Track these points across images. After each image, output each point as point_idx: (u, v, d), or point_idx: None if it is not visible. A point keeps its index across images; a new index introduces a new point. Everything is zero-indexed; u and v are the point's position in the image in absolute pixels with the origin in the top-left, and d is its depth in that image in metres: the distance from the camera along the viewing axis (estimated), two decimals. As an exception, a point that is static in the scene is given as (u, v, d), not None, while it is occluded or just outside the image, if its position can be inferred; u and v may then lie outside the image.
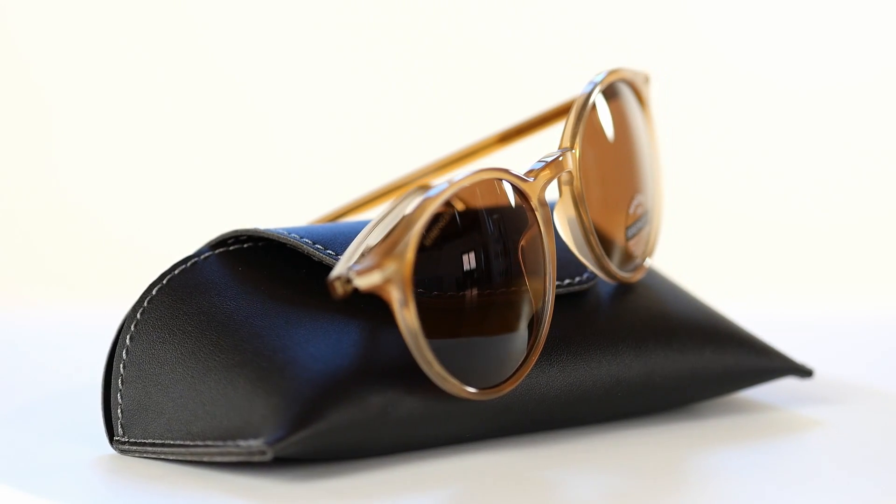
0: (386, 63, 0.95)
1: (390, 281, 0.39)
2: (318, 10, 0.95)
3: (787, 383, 0.54)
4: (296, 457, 0.41)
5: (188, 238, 0.86)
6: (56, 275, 0.89)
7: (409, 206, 0.41)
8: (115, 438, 0.44)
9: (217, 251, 0.45)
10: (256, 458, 0.40)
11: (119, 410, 0.44)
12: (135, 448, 0.43)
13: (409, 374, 0.42)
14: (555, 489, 0.43)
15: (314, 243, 0.44)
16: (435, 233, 0.41)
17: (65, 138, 0.94)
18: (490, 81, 0.95)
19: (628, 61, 0.57)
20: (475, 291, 0.42)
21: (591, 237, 0.47)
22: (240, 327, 0.43)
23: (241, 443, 0.40)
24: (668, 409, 0.50)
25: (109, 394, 0.44)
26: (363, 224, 0.46)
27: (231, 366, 0.42)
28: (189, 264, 0.44)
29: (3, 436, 0.48)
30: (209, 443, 0.41)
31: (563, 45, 0.94)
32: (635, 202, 0.51)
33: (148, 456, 0.43)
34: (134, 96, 0.93)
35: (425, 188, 0.52)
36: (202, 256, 0.45)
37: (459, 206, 0.42)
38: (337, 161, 0.94)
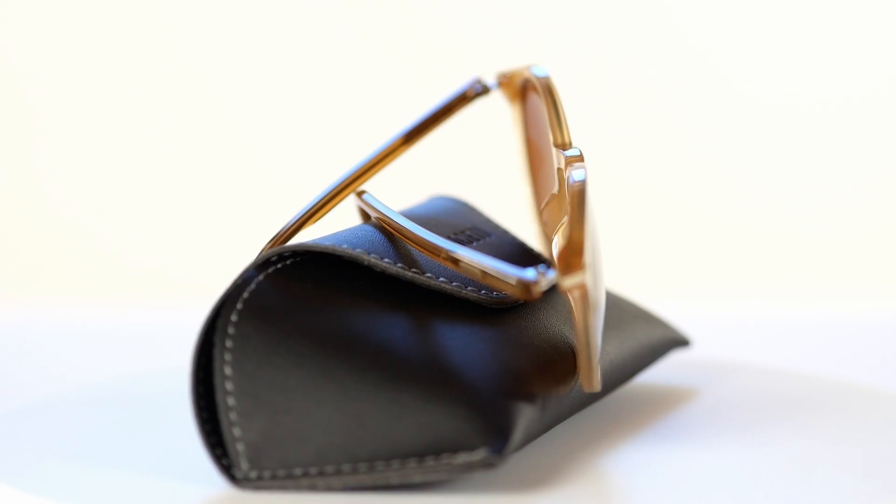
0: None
1: (587, 278, 0.40)
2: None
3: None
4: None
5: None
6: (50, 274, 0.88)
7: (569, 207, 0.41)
8: (240, 476, 0.40)
9: (270, 270, 0.42)
10: (478, 471, 0.39)
11: (240, 445, 0.40)
12: (276, 482, 0.40)
13: (544, 369, 0.43)
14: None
15: (369, 254, 0.43)
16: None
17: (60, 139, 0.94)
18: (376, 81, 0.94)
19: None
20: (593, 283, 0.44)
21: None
22: (364, 344, 0.41)
23: (454, 457, 0.39)
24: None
25: (217, 430, 0.41)
26: (368, 230, 0.46)
27: (375, 383, 0.41)
28: (254, 285, 0.42)
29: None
30: (395, 462, 0.40)
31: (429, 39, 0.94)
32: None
33: (300, 488, 0.40)
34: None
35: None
36: (260, 277, 0.42)
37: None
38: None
